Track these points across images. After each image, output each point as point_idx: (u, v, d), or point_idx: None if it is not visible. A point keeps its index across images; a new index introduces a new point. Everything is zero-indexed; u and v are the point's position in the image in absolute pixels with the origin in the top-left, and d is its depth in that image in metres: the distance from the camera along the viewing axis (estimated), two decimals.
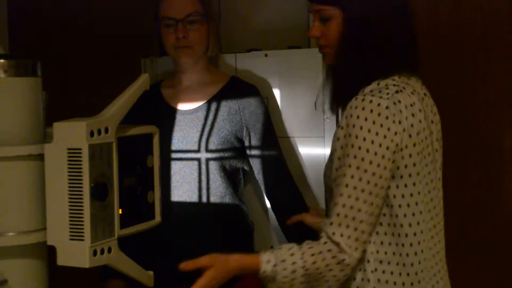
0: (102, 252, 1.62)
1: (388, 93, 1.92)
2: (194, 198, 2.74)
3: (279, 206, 2.81)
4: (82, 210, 1.58)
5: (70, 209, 1.59)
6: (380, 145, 1.88)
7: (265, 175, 2.74)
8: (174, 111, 2.79)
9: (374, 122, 1.88)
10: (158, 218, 1.83)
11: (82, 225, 1.58)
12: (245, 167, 2.80)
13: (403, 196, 1.96)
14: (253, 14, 3.18)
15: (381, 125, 1.88)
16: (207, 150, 2.71)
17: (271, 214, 2.92)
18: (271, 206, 2.81)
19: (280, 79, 2.92)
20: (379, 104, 1.89)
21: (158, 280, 1.99)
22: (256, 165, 2.77)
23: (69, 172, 1.58)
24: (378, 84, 1.97)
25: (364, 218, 1.89)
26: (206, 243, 2.73)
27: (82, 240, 1.58)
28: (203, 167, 2.72)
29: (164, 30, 2.75)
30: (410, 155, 1.92)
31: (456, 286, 3.25)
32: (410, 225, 1.97)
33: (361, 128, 1.88)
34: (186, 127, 2.74)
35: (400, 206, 1.96)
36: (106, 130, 1.62)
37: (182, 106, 2.79)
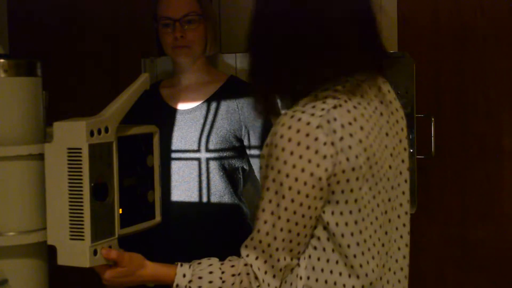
0: None
1: (323, 109, 1.66)
2: (193, 197, 2.74)
3: None
4: (82, 209, 1.58)
5: (70, 209, 1.59)
6: (303, 170, 1.63)
7: None
8: (173, 110, 2.78)
9: (299, 144, 1.62)
10: (158, 218, 1.83)
11: (82, 224, 1.58)
12: (245, 166, 2.80)
13: (337, 224, 1.71)
14: None
15: (307, 148, 1.62)
16: (206, 150, 2.71)
17: None
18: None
19: None
20: (308, 123, 1.62)
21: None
22: (256, 164, 2.77)
23: (69, 171, 1.58)
24: (316, 96, 1.70)
25: (280, 245, 1.70)
26: (205, 242, 2.73)
27: (83, 239, 1.58)
28: (203, 166, 2.72)
29: (162, 30, 2.75)
30: (348, 180, 1.67)
31: (456, 286, 3.27)
32: (355, 256, 1.73)
33: (283, 149, 1.63)
34: (185, 126, 2.74)
35: (342, 235, 1.71)
36: (106, 130, 1.62)
37: (181, 106, 2.79)
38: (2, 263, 1.64)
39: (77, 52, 3.65)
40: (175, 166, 2.75)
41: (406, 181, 1.85)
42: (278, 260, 1.71)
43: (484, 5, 3.09)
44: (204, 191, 2.74)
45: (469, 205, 3.10)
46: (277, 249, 1.70)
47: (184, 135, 2.74)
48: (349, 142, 1.65)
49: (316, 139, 1.61)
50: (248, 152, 2.76)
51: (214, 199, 2.75)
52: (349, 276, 1.73)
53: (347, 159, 1.64)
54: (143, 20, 3.04)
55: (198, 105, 2.77)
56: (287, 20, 1.73)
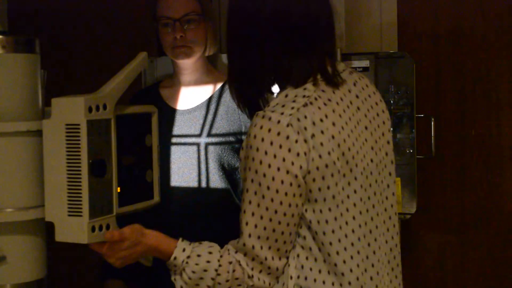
0: (100, 228, 1.62)
1: (293, 108, 1.68)
2: (193, 197, 2.73)
3: None
4: (80, 186, 1.58)
5: (69, 185, 1.58)
6: (279, 169, 1.66)
7: None
8: (173, 111, 2.78)
9: (271, 143, 1.65)
10: (156, 197, 1.82)
11: (80, 201, 1.57)
12: None
13: (318, 222, 1.72)
14: None
15: (280, 146, 1.65)
16: (206, 150, 2.70)
17: None
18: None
19: None
20: (278, 122, 1.66)
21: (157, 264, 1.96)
22: None
23: (67, 148, 1.58)
24: (286, 96, 1.74)
25: (264, 245, 1.71)
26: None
27: (81, 216, 1.58)
28: (202, 166, 2.71)
29: (161, 29, 2.75)
30: (323, 177, 1.69)
31: (456, 286, 3.25)
32: (337, 253, 1.72)
33: (257, 149, 1.67)
34: (184, 126, 2.74)
35: (316, 232, 1.73)
36: (105, 107, 1.62)
37: (180, 106, 2.79)
38: (0, 239, 1.63)
39: (77, 52, 3.66)
40: (174, 166, 2.74)
41: (390, 174, 1.86)
42: (266, 259, 1.72)
43: (484, 6, 3.10)
44: (204, 191, 2.73)
45: (469, 205, 3.09)
46: (261, 248, 1.71)
47: (183, 135, 2.73)
48: (321, 139, 1.67)
49: (287, 137, 1.65)
50: None
51: (213, 198, 2.75)
52: (335, 274, 1.73)
53: (320, 156, 1.66)
54: (143, 20, 3.04)
55: (197, 105, 2.77)
56: (256, 19, 1.75)
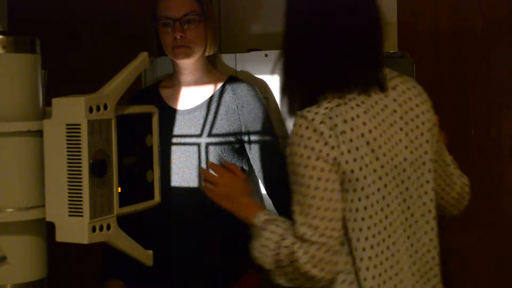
0: (101, 228, 1.61)
1: (326, 107, 1.91)
2: (193, 197, 2.73)
3: (281, 204, 2.80)
4: (81, 186, 1.57)
5: (69, 185, 1.58)
6: (317, 159, 1.88)
7: (265, 173, 2.73)
8: (173, 111, 2.78)
9: (309, 138, 1.88)
10: (157, 198, 1.81)
11: (81, 201, 1.57)
12: (244, 166, 2.80)
13: (350, 210, 1.92)
14: (253, 14, 3.20)
15: (317, 141, 1.88)
16: (206, 150, 2.70)
17: None
18: (273, 204, 2.81)
19: (280, 79, 2.91)
20: (313, 119, 1.89)
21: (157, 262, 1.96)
22: (256, 164, 2.76)
23: (68, 148, 1.58)
24: (325, 98, 1.96)
25: (309, 231, 1.91)
26: (205, 243, 2.72)
27: (81, 216, 1.57)
28: (202, 166, 2.71)
29: (161, 29, 2.75)
30: (352, 171, 1.89)
31: (456, 286, 3.25)
32: (358, 239, 1.92)
33: (298, 145, 1.90)
34: (184, 126, 2.74)
35: (349, 220, 1.93)
36: (105, 107, 1.62)
37: (180, 106, 2.79)
38: (0, 239, 1.63)
39: (77, 52, 3.66)
40: (174, 166, 2.74)
41: (429, 171, 2.01)
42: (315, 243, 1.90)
43: (484, 6, 3.10)
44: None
45: (469, 205, 3.08)
46: (308, 234, 1.90)
47: (183, 135, 2.73)
48: (350, 136, 1.88)
49: (321, 133, 1.87)
50: (248, 151, 2.76)
51: None
52: (361, 260, 1.92)
53: (349, 151, 1.88)
54: (143, 20, 3.04)
55: (198, 105, 2.77)
56: (317, 23, 1.97)
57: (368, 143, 1.90)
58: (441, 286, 2.04)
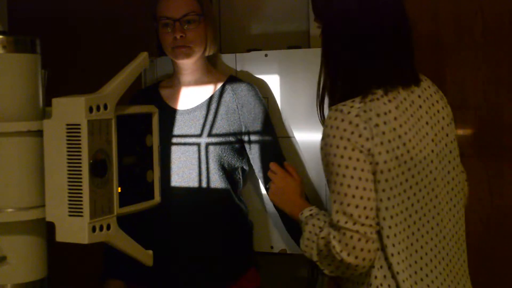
0: (101, 228, 1.61)
1: (361, 102, 2.02)
2: (193, 197, 2.73)
3: None
4: (81, 186, 1.57)
5: (69, 185, 1.58)
6: (353, 149, 1.96)
7: (265, 173, 2.74)
8: (173, 111, 2.79)
9: (345, 130, 1.97)
10: (157, 198, 1.81)
11: (81, 201, 1.57)
12: (244, 166, 2.80)
13: (381, 200, 2.01)
14: (253, 14, 3.19)
15: (352, 133, 1.97)
16: (206, 150, 2.70)
17: (271, 214, 2.91)
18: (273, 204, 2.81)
19: (280, 79, 2.92)
20: (349, 112, 1.99)
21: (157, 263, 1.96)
22: (256, 164, 2.76)
23: (68, 148, 1.58)
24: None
25: (347, 219, 1.98)
26: (205, 243, 2.72)
27: (81, 216, 1.57)
28: (202, 166, 2.72)
29: (161, 30, 2.75)
30: (385, 162, 1.99)
31: None
32: (382, 227, 2.02)
33: (334, 136, 1.99)
34: (184, 126, 2.74)
35: (379, 209, 2.01)
36: (105, 107, 1.62)
37: (180, 106, 2.80)
38: (0, 239, 1.63)
39: (76, 52, 3.65)
40: (174, 166, 2.74)
41: (450, 162, 2.15)
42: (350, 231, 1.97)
43: (484, 6, 3.09)
44: (204, 191, 2.73)
45: (469, 205, 3.08)
46: (345, 222, 1.97)
47: (183, 135, 2.74)
48: (383, 129, 1.98)
49: (357, 125, 1.97)
50: (248, 151, 2.76)
51: (213, 199, 2.75)
52: (386, 246, 2.03)
53: (381, 143, 1.97)
54: (143, 20, 3.04)
55: (197, 105, 2.77)
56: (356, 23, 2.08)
57: (399, 136, 2.01)
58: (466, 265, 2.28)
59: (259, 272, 2.89)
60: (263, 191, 2.92)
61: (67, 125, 1.57)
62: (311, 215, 2.20)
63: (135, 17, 3.47)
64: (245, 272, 2.80)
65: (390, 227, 2.01)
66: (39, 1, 3.69)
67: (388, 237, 2.01)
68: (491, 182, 3.16)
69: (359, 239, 1.95)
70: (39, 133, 1.61)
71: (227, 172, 2.76)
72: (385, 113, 2.01)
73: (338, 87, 2.11)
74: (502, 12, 3.09)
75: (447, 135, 2.17)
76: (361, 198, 1.96)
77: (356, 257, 1.96)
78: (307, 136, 2.90)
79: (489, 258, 3.14)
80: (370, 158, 1.98)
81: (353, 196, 1.96)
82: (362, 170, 1.97)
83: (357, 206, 1.96)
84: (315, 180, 2.88)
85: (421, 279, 2.05)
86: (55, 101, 1.58)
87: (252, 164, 2.79)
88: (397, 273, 2.01)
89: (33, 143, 1.63)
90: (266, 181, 2.77)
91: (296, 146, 2.91)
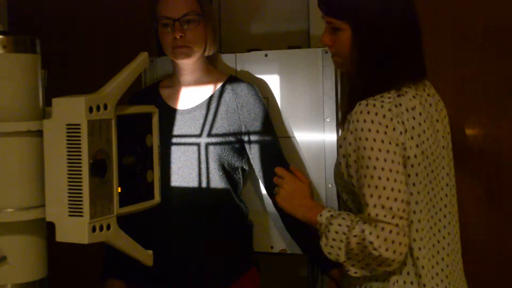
0: (101, 228, 1.61)
1: (389, 97, 2.05)
2: (193, 197, 2.73)
3: None
4: (81, 186, 1.57)
5: (69, 185, 1.57)
6: (390, 143, 1.99)
7: (265, 173, 2.74)
8: (173, 111, 2.79)
9: (380, 123, 2.00)
10: (157, 198, 1.81)
11: (81, 201, 1.57)
12: (244, 166, 2.80)
13: (411, 193, 2.07)
14: (253, 14, 3.19)
15: (387, 126, 2.00)
16: (206, 150, 2.70)
17: (271, 214, 2.91)
18: (274, 204, 2.81)
19: (280, 79, 2.92)
20: (382, 107, 2.02)
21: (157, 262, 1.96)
22: (256, 164, 2.76)
23: (68, 148, 1.57)
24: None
25: (382, 211, 1.97)
26: (205, 243, 2.72)
27: (81, 216, 1.57)
28: (202, 166, 2.72)
29: (161, 29, 2.75)
30: (415, 156, 2.04)
31: None
32: (412, 221, 2.07)
33: (369, 130, 2.00)
34: (184, 126, 2.74)
35: (409, 203, 2.04)
36: (105, 107, 1.61)
37: (180, 106, 2.80)
38: (0, 240, 1.62)
39: (76, 52, 3.65)
40: (174, 166, 2.74)
41: (449, 164, 2.21)
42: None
43: (484, 5, 3.09)
44: (204, 190, 2.73)
45: (469, 205, 3.09)
46: (385, 216, 1.96)
47: (183, 135, 2.74)
48: (412, 124, 2.04)
49: (391, 119, 2.01)
50: (248, 151, 2.76)
51: (213, 199, 2.75)
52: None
53: (412, 138, 2.03)
54: (143, 20, 3.04)
55: (197, 105, 2.77)
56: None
57: (424, 131, 2.08)
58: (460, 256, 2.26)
59: (259, 272, 2.89)
60: (263, 191, 2.92)
61: (67, 125, 1.57)
62: (332, 215, 2.13)
63: (135, 17, 3.47)
64: (245, 272, 2.80)
65: (419, 220, 2.07)
66: (39, 1, 3.69)
67: (417, 230, 2.07)
68: (491, 182, 3.16)
69: (398, 233, 1.95)
70: (39, 133, 1.61)
71: (227, 172, 2.76)
72: (412, 109, 2.07)
73: (367, 84, 2.13)
74: (502, 12, 3.09)
75: (448, 133, 2.25)
76: (399, 191, 1.97)
77: (394, 252, 1.95)
78: (307, 136, 2.90)
79: (489, 258, 3.14)
80: (403, 152, 2.01)
81: (392, 189, 1.96)
82: (398, 163, 1.99)
83: (395, 199, 1.96)
84: (315, 180, 2.88)
85: (436, 274, 2.11)
86: (55, 101, 1.58)
87: (252, 164, 2.79)
88: (422, 267, 2.07)
89: (33, 143, 1.62)
90: (266, 181, 2.77)
91: (296, 146, 2.91)
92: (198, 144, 2.72)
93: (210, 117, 2.74)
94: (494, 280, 3.15)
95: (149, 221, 2.73)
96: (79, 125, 1.57)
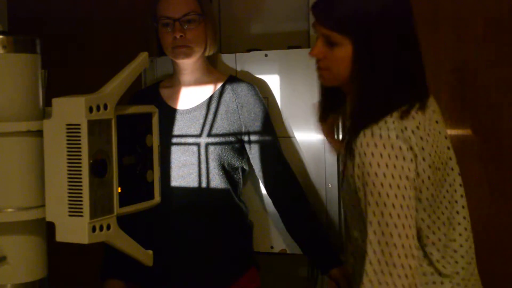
0: (101, 228, 1.60)
1: (393, 122, 1.93)
2: (192, 197, 2.73)
3: (281, 203, 2.81)
4: (81, 186, 1.57)
5: (69, 185, 1.57)
6: (400, 177, 1.89)
7: (265, 173, 2.74)
8: (173, 110, 2.79)
9: (389, 156, 1.89)
10: (157, 198, 1.81)
11: (81, 201, 1.57)
12: (244, 166, 2.80)
13: (422, 220, 2.02)
14: (253, 14, 3.20)
15: (396, 157, 1.89)
16: (206, 150, 2.70)
17: (271, 214, 2.91)
18: (274, 204, 2.81)
19: (280, 79, 2.92)
20: (389, 137, 1.90)
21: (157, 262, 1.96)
22: (256, 164, 2.76)
23: (68, 148, 1.57)
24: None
25: (394, 252, 1.89)
26: (205, 243, 2.72)
27: (81, 216, 1.57)
28: (202, 166, 2.72)
29: (161, 29, 2.76)
30: (428, 177, 1.97)
31: None
32: (425, 244, 2.06)
33: (378, 165, 1.89)
34: (184, 126, 2.74)
35: (420, 228, 2.02)
36: (105, 107, 1.61)
37: (180, 106, 2.80)
38: (0, 240, 1.62)
39: (77, 51, 3.65)
40: (174, 166, 2.74)
41: (458, 174, 2.15)
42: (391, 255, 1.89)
43: (484, 5, 3.10)
44: (204, 190, 2.73)
45: (469, 205, 3.08)
46: (389, 254, 1.89)
47: (183, 135, 2.74)
48: (422, 144, 1.94)
49: (400, 148, 1.89)
50: (248, 151, 2.76)
51: (213, 199, 2.75)
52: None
53: (423, 159, 1.94)
54: (143, 20, 3.04)
55: (197, 105, 2.77)
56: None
57: (432, 146, 1.98)
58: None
59: (259, 272, 2.89)
60: (263, 191, 2.92)
61: (67, 125, 1.57)
62: None
63: (135, 17, 3.47)
64: (245, 272, 2.80)
65: (433, 243, 2.04)
66: (39, 1, 3.69)
67: (433, 244, 2.06)
68: (491, 182, 3.16)
69: (415, 273, 1.90)
70: (39, 133, 1.60)
71: (227, 172, 2.76)
72: (418, 128, 1.96)
73: (370, 106, 2.00)
74: (502, 11, 3.09)
75: (448, 148, 2.15)
76: (410, 227, 1.89)
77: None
78: (307, 136, 2.90)
79: (489, 259, 3.14)
80: (417, 179, 1.93)
81: (403, 227, 1.88)
82: (412, 198, 1.90)
83: (407, 236, 1.88)
84: (315, 180, 2.88)
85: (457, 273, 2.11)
86: (55, 101, 1.58)
87: (252, 164, 2.79)
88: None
89: (33, 143, 1.62)
90: (266, 181, 2.77)
91: (296, 146, 2.91)
92: (198, 144, 2.72)
93: (210, 117, 2.74)
94: (494, 280, 3.15)
95: (149, 221, 2.73)
96: (79, 125, 1.56)
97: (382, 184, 1.88)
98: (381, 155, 1.89)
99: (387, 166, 1.88)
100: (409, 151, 1.90)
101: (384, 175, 1.88)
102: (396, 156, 1.89)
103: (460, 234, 2.13)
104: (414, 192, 1.92)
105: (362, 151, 1.91)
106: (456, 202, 2.12)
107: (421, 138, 1.95)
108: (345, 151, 2.04)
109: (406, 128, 1.93)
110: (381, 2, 2.00)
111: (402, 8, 2.04)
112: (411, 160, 1.90)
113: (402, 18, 2.03)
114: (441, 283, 2.06)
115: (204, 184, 2.73)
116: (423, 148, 1.94)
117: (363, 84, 2.01)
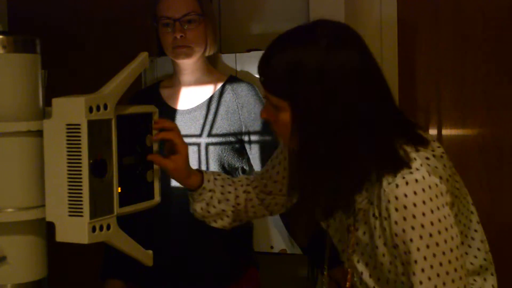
0: (101, 228, 1.61)
1: (421, 164, 1.72)
2: None
3: None
4: (81, 186, 1.57)
5: (69, 185, 1.58)
6: (448, 215, 1.72)
7: None
8: (173, 111, 2.79)
9: (431, 200, 1.69)
10: (157, 198, 1.82)
11: (81, 201, 1.57)
12: (245, 166, 2.79)
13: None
14: (252, 14, 3.19)
15: (436, 196, 1.70)
16: (206, 150, 2.70)
17: None
18: None
19: None
20: (423, 177, 1.70)
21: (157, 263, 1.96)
22: (256, 164, 2.76)
23: (68, 148, 1.58)
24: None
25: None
26: (205, 243, 2.72)
27: (81, 216, 1.57)
28: (202, 166, 2.71)
29: (162, 29, 2.75)
30: (458, 208, 1.87)
31: None
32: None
33: (423, 214, 1.69)
34: (184, 126, 2.74)
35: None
36: (105, 107, 1.62)
37: (181, 106, 2.79)
38: (0, 240, 1.62)
39: (76, 51, 3.66)
40: None
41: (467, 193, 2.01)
42: None
43: (484, 5, 3.10)
44: None
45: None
46: None
47: (183, 135, 2.74)
48: (445, 176, 1.75)
49: (436, 185, 1.69)
50: (248, 151, 2.76)
51: None
52: None
53: (456, 196, 1.84)
54: (143, 20, 3.04)
55: (198, 105, 2.77)
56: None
57: (450, 175, 1.81)
58: None
59: (259, 272, 2.89)
60: None
61: (67, 125, 1.57)
62: None
63: (135, 17, 3.47)
64: (245, 272, 2.80)
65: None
66: (39, 1, 3.69)
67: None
68: (491, 182, 3.16)
69: None
70: (39, 133, 1.61)
71: (227, 172, 2.75)
72: (441, 156, 1.82)
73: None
74: (502, 11, 3.09)
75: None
76: (462, 267, 1.76)
77: None
78: None
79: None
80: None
81: (460, 278, 1.75)
82: (457, 235, 1.74)
83: (461, 278, 1.75)
84: None
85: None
86: (55, 101, 1.58)
87: (252, 164, 2.79)
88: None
89: (33, 143, 1.63)
90: None
91: None
92: (198, 144, 2.71)
93: (210, 117, 2.74)
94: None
95: (149, 221, 2.73)
96: (79, 125, 1.57)
97: (439, 232, 1.70)
98: (424, 202, 1.69)
99: (432, 212, 1.69)
100: (443, 184, 1.73)
101: (439, 220, 1.69)
102: (436, 195, 1.70)
103: (478, 249, 2.06)
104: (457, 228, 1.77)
105: (400, 203, 1.69)
106: (471, 221, 2.01)
107: (444, 165, 1.82)
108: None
109: (436, 167, 1.75)
110: (314, 57, 1.73)
111: (345, 60, 1.74)
112: (447, 191, 1.74)
113: (346, 71, 1.73)
114: None
115: None
116: (447, 180, 1.78)
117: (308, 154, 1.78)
